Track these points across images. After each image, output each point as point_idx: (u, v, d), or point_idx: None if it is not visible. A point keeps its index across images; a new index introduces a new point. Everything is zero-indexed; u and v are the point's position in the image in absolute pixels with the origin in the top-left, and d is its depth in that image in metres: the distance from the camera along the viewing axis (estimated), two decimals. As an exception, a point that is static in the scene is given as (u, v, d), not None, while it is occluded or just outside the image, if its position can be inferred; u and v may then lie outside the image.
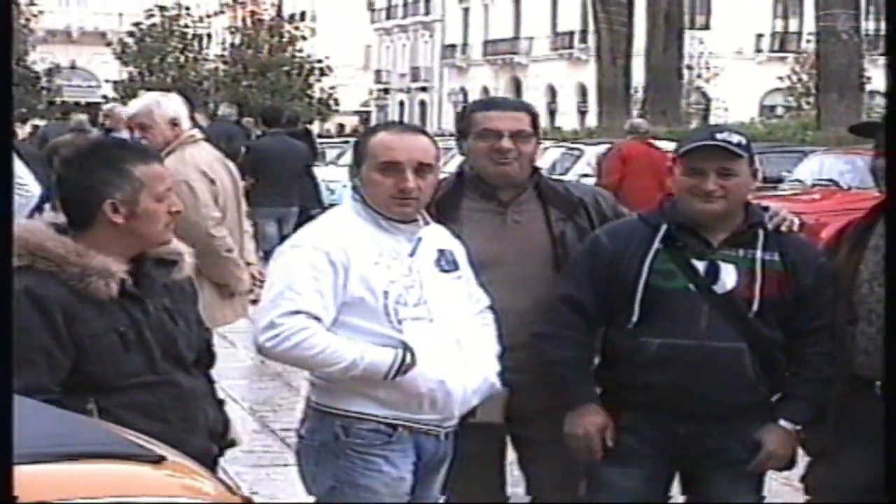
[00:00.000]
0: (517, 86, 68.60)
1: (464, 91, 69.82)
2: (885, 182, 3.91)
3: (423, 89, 78.93)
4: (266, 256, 14.83)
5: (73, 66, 73.12)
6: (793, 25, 62.63)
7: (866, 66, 31.08)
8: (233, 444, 4.33)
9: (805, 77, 47.26)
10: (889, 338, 3.00)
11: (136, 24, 56.35)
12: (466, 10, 75.52)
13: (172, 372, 3.92)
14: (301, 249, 4.26)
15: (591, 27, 40.60)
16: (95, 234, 3.87)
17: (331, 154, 29.52)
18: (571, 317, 4.51)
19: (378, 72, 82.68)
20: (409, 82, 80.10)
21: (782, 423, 4.47)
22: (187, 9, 55.96)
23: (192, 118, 12.92)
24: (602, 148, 18.61)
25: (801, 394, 4.48)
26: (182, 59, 54.88)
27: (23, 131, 29.35)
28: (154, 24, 55.36)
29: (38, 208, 7.77)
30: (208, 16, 59.07)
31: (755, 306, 4.38)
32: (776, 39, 63.38)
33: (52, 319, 3.74)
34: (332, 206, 5.30)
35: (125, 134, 8.42)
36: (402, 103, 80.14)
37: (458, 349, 4.26)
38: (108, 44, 61.86)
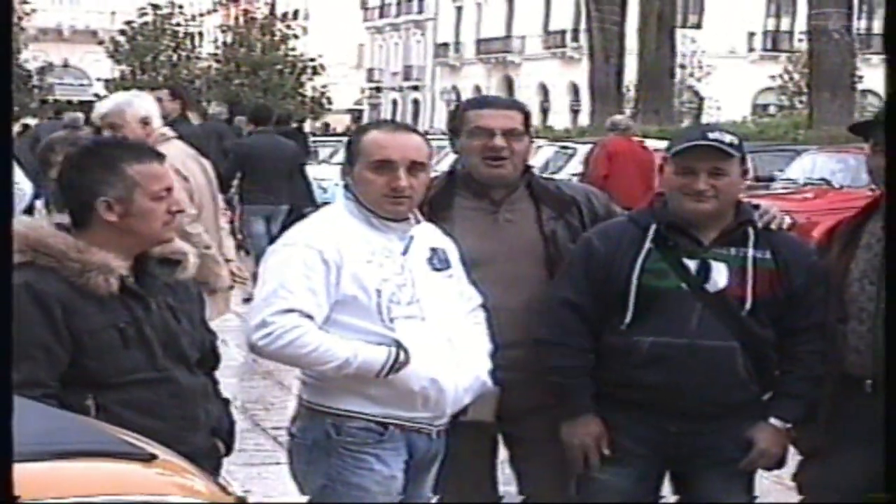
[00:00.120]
0: (510, 84, 68.62)
1: (456, 90, 69.78)
2: (885, 182, 3.89)
3: (416, 88, 78.92)
4: (249, 253, 14.88)
5: (65, 65, 73.06)
6: (785, 24, 62.68)
7: (858, 66, 31.09)
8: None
9: (797, 76, 47.34)
10: (889, 338, 2.99)
11: (129, 23, 56.24)
12: (459, 9, 75.51)
13: (173, 369, 3.92)
14: (294, 248, 4.26)
15: (584, 26, 40.67)
16: (94, 232, 3.89)
17: (323, 153, 29.48)
18: (573, 323, 4.51)
19: (370, 70, 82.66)
20: (401, 81, 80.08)
21: (773, 421, 4.47)
22: (180, 7, 55.88)
23: (185, 116, 12.96)
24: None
25: (792, 392, 4.48)
26: (174, 57, 54.80)
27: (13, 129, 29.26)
28: (146, 23, 55.25)
29: (29, 206, 7.77)
30: (201, 14, 59.11)
31: (747, 305, 4.38)
32: (768, 38, 63.43)
33: (51, 314, 3.75)
34: (324, 204, 5.30)
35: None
36: (394, 102, 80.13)
37: (450, 347, 4.26)
38: (101, 42, 61.73)
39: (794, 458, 4.68)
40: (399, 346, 4.16)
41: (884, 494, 2.88)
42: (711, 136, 4.42)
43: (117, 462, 2.81)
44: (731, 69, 57.41)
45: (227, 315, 7.34)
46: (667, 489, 4.75)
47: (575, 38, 60.63)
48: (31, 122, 30.69)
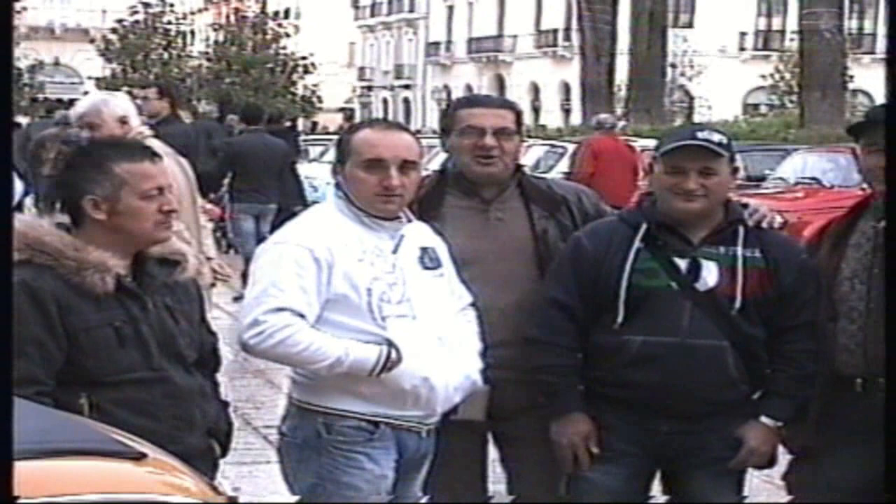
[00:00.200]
0: (501, 83, 68.61)
1: (447, 88, 69.75)
2: (886, 182, 3.89)
3: (407, 87, 78.89)
4: (238, 252, 14.85)
5: (56, 63, 72.89)
6: (776, 24, 62.71)
7: (849, 65, 31.17)
8: None
9: (788, 75, 47.35)
10: (889, 338, 3.00)
11: (120, 21, 56.24)
12: (451, 8, 75.49)
13: (169, 369, 3.92)
14: (285, 246, 4.26)
15: (575, 25, 40.63)
16: (87, 231, 3.91)
17: (314, 151, 29.47)
18: (562, 322, 4.51)
19: (362, 69, 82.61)
20: (392, 80, 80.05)
21: (764, 420, 4.48)
22: (171, 6, 55.89)
23: (177, 114, 12.94)
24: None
25: (782, 391, 4.49)
26: (165, 55, 54.80)
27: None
28: (137, 21, 55.25)
29: (19, 204, 7.76)
30: (192, 13, 59.06)
31: (737, 304, 4.38)
32: (759, 38, 63.47)
33: (47, 312, 3.76)
34: (314, 203, 5.30)
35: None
36: (385, 101, 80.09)
37: (441, 346, 4.27)
38: (92, 40, 61.64)
39: (784, 457, 4.68)
40: (390, 344, 4.16)
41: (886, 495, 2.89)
42: (700, 135, 4.43)
43: (107, 461, 2.81)
44: (722, 68, 57.46)
45: (216, 313, 7.33)
46: (657, 488, 4.75)
47: (566, 38, 60.63)
48: (22, 120, 30.64)
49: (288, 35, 54.88)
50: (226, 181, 15.32)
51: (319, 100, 54.29)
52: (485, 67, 71.02)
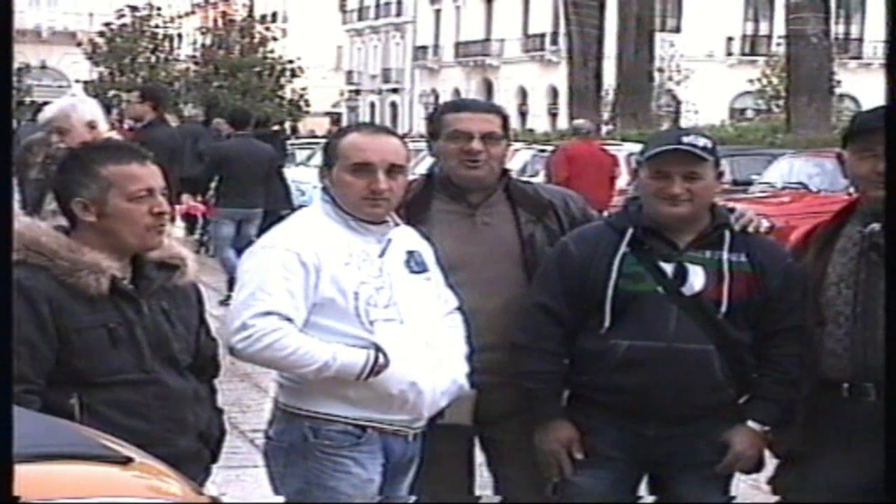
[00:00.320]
0: (488, 87, 68.68)
1: (435, 93, 69.81)
2: (885, 182, 3.88)
3: (395, 91, 78.96)
4: (213, 255, 14.82)
5: (43, 66, 72.82)
6: (763, 28, 62.87)
7: (836, 70, 31.25)
8: None
9: (775, 80, 47.47)
10: (889, 338, 3.01)
11: (107, 25, 56.13)
12: (438, 12, 75.56)
13: (162, 372, 3.92)
14: (272, 250, 4.26)
15: (563, 29, 40.69)
16: (81, 234, 3.92)
17: (301, 155, 29.47)
18: (548, 328, 4.51)
19: (349, 73, 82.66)
20: (380, 83, 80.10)
21: (750, 424, 4.48)
22: (158, 9, 55.80)
23: (163, 118, 12.93)
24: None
25: (768, 395, 4.49)
26: (153, 59, 54.71)
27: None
28: (125, 25, 55.15)
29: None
30: (179, 16, 58.95)
31: (723, 308, 4.39)
32: (747, 42, 63.60)
33: (39, 311, 3.76)
34: (301, 207, 5.30)
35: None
36: (373, 104, 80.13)
37: (428, 350, 4.27)
38: (79, 44, 61.55)
39: (772, 461, 4.68)
40: (378, 349, 4.16)
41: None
42: (686, 140, 4.43)
43: (93, 465, 2.80)
44: (709, 73, 57.56)
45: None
46: (643, 491, 4.75)
47: (554, 42, 60.73)
48: (9, 123, 30.52)
49: (275, 39, 54.87)
50: (213, 185, 15.31)
51: (307, 103, 54.25)
52: (472, 71, 71.09)
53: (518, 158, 21.01)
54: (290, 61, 53.28)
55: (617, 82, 34.73)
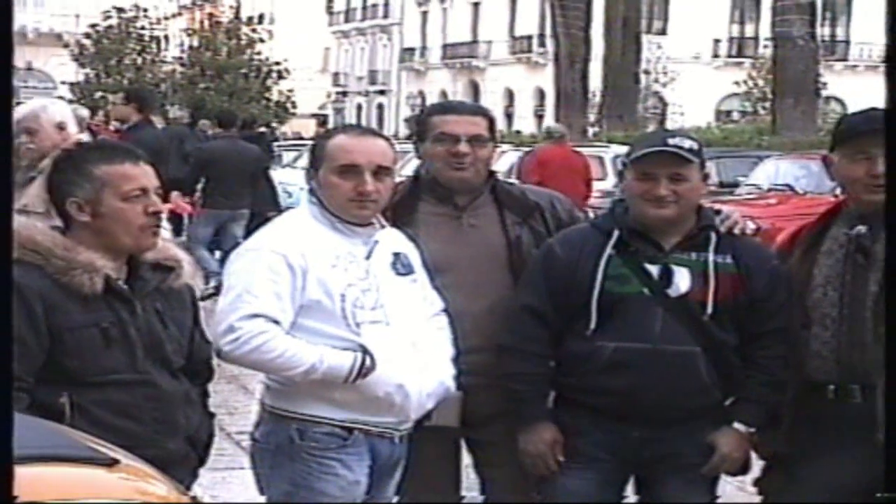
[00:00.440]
0: (475, 89, 68.70)
1: (422, 94, 69.86)
2: (886, 183, 3.89)
3: (382, 92, 78.93)
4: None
5: (29, 68, 72.62)
6: (749, 31, 62.97)
7: (822, 72, 31.32)
8: None
9: (761, 82, 47.55)
10: (889, 338, 3.02)
11: (93, 26, 56.03)
12: (425, 14, 75.55)
13: (153, 373, 3.91)
14: (259, 252, 4.25)
15: (550, 31, 40.75)
16: (76, 233, 3.92)
17: (287, 157, 29.46)
18: (534, 329, 4.51)
19: (336, 75, 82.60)
20: (367, 85, 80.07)
21: (736, 425, 4.48)
22: (145, 11, 55.74)
23: (149, 119, 12.91)
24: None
25: (754, 397, 4.50)
26: (139, 61, 54.63)
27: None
28: (111, 26, 55.06)
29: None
30: (166, 18, 59.00)
31: (709, 309, 4.39)
32: (733, 45, 63.69)
33: (31, 309, 3.75)
34: (288, 208, 5.30)
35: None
36: (359, 106, 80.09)
37: (414, 352, 4.26)
38: (65, 45, 61.44)
39: (758, 463, 4.69)
40: (365, 351, 4.16)
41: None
42: (671, 141, 4.44)
43: (79, 467, 2.80)
44: (695, 75, 57.63)
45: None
46: (630, 491, 4.75)
47: (541, 44, 60.78)
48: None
49: (262, 40, 54.83)
50: (199, 186, 15.29)
51: (293, 105, 54.23)
52: (459, 73, 71.10)
53: (504, 160, 21.00)
54: (277, 63, 53.26)
55: (603, 84, 34.75)
